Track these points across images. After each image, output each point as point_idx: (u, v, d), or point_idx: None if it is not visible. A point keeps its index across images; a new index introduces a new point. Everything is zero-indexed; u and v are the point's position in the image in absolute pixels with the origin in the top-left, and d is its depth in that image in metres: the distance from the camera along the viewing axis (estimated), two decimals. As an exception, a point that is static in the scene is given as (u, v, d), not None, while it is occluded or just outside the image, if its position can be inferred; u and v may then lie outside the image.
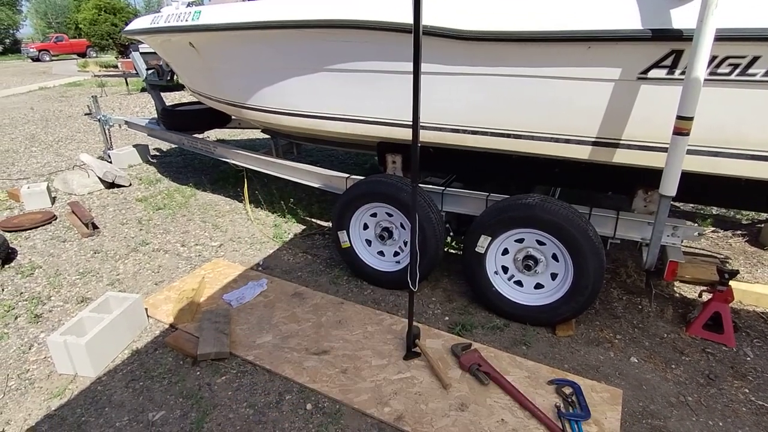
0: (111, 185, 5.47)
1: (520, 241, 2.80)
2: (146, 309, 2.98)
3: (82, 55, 30.62)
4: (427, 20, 2.29)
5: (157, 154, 7.02)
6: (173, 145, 6.48)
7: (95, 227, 4.34)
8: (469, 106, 2.76)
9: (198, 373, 2.52)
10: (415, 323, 2.62)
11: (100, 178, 5.43)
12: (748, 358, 2.64)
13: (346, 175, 3.54)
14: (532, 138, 2.67)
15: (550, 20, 2.34)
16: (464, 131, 2.84)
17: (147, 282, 3.47)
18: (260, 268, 3.62)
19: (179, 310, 2.95)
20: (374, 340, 2.72)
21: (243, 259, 3.79)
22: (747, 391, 2.41)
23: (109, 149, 6.33)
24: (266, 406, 2.31)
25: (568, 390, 2.35)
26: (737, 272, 2.73)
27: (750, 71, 2.09)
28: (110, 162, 6.13)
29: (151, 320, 2.96)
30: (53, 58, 30.67)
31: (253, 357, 2.60)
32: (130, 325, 2.78)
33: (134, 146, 6.53)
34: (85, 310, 2.75)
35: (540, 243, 2.75)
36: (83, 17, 27.03)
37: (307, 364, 2.54)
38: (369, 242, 3.34)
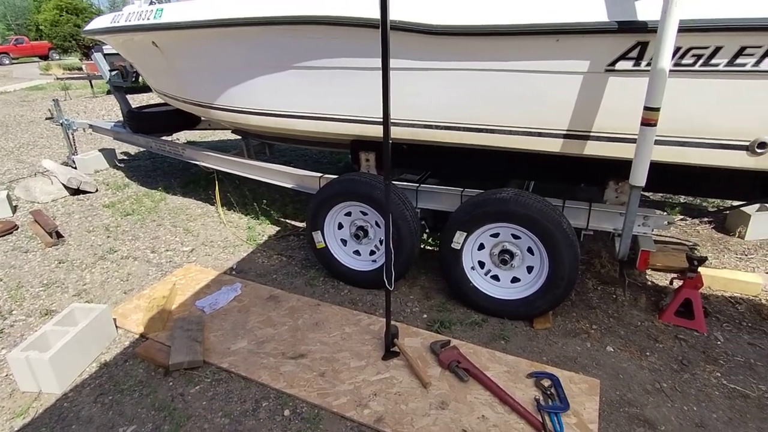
0: (76, 192, 5.27)
1: (496, 235, 2.80)
2: (115, 319, 2.87)
3: (44, 57, 29.46)
4: (394, 15, 2.26)
5: (125, 158, 6.79)
6: (141, 149, 6.29)
7: (60, 236, 4.17)
8: (441, 102, 2.73)
9: (170, 383, 2.44)
10: (393, 322, 2.59)
11: (64, 185, 5.22)
12: (719, 342, 2.70)
13: (319, 175, 3.48)
14: (504, 132, 2.67)
15: (519, 13, 2.33)
16: (437, 127, 2.82)
17: (115, 291, 3.34)
18: (234, 272, 3.54)
19: (149, 318, 2.85)
20: (352, 342, 2.68)
21: (216, 263, 3.69)
22: (719, 374, 2.46)
23: (73, 154, 6.09)
24: (242, 414, 2.24)
25: (547, 383, 2.35)
26: (706, 259, 2.79)
27: (713, 61, 2.12)
28: (75, 167, 5.90)
29: (120, 331, 2.85)
30: (13, 61, 29.38)
31: (228, 364, 2.53)
32: (97, 337, 2.67)
33: (100, 150, 6.31)
34: (49, 323, 2.63)
35: (515, 237, 2.76)
36: (44, 18, 26.10)
37: (284, 369, 2.48)
38: (344, 242, 3.29)
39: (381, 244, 3.16)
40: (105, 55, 5.97)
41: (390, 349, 2.56)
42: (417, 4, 2.53)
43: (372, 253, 3.24)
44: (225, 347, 2.66)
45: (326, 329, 2.80)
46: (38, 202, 5.07)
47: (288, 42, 2.97)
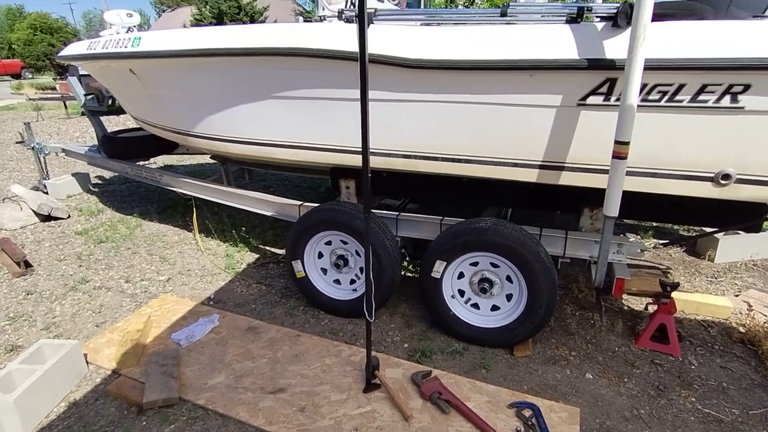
0: (47, 218, 5.12)
1: (475, 264, 2.83)
2: (86, 354, 2.76)
3: (17, 76, 28.88)
4: (373, 49, 2.30)
5: (99, 182, 6.65)
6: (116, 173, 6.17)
7: (28, 265, 4.02)
8: (419, 132, 2.78)
9: (144, 422, 2.35)
10: (373, 353, 2.57)
11: (34, 211, 5.06)
12: (693, 366, 2.75)
13: (299, 203, 3.47)
14: (482, 162, 2.72)
15: (493, 49, 2.41)
16: (415, 157, 2.86)
17: (87, 324, 3.23)
18: (212, 303, 3.46)
19: (123, 353, 2.75)
20: (333, 374, 2.65)
21: (193, 293, 3.61)
22: (694, 399, 2.50)
23: (44, 179, 5.93)
24: (219, 454, 2.18)
25: (528, 413, 2.36)
26: (678, 284, 2.86)
27: (677, 98, 2.23)
28: (46, 193, 5.75)
29: (92, 367, 2.75)
30: (-17, 80, 28.75)
31: (205, 401, 2.45)
32: (67, 375, 2.57)
33: (73, 175, 6.16)
34: (15, 361, 2.51)
35: (494, 265, 2.79)
36: (17, 37, 25.67)
37: (263, 405, 2.43)
38: (324, 271, 3.27)
39: (361, 272, 3.15)
40: (80, 76, 5.89)
41: (371, 381, 2.53)
42: (394, 39, 2.59)
43: (352, 281, 3.22)
44: (202, 383, 2.58)
45: (306, 361, 2.75)
46: (6, 229, 4.90)
47: (268, 73, 2.99)
